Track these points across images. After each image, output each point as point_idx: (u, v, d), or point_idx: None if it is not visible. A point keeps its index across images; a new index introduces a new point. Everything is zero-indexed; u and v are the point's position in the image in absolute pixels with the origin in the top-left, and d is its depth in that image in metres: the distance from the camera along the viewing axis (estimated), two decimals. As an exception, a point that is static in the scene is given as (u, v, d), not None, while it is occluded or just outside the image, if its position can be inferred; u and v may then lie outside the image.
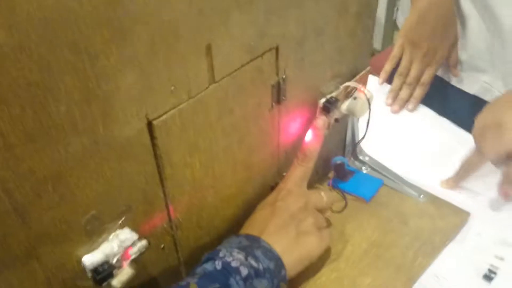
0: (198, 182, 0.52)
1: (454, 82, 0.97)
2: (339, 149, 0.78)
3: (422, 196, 0.73)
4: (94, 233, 0.44)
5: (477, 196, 0.73)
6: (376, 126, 0.71)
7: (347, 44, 0.64)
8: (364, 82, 0.71)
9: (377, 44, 2.56)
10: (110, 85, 0.38)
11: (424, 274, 0.62)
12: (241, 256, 0.50)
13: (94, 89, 0.37)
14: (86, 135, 0.38)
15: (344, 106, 0.67)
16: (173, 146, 0.46)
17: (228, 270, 0.49)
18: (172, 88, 0.43)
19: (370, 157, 0.79)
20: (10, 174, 0.34)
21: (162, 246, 0.52)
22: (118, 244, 0.46)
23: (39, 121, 0.34)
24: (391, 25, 2.19)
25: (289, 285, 0.55)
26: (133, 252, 0.47)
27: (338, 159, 0.74)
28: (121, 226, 0.46)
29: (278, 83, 0.55)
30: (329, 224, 0.65)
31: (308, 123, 0.63)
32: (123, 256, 0.47)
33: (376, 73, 1.03)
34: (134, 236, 0.47)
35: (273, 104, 0.57)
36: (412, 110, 0.95)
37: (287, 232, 0.56)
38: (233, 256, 0.50)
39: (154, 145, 0.45)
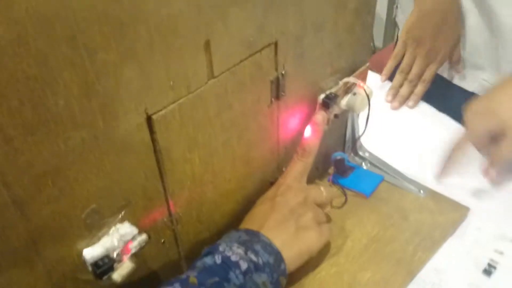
0: (197, 177, 0.52)
1: (453, 79, 0.97)
2: (339, 145, 0.78)
3: (422, 191, 0.73)
4: (94, 227, 0.44)
5: (477, 191, 0.74)
6: (377, 122, 0.72)
7: (346, 39, 0.64)
8: (363, 77, 0.71)
9: (378, 41, 2.55)
10: (109, 80, 0.38)
11: (424, 269, 0.62)
12: (240, 251, 0.50)
13: (93, 83, 0.37)
14: (85, 129, 0.38)
15: (344, 101, 0.67)
16: (173, 141, 0.47)
17: (227, 264, 0.49)
18: (171, 83, 0.43)
19: (370, 153, 0.79)
20: (9, 167, 0.35)
21: (162, 240, 0.53)
22: (118, 238, 0.46)
23: (37, 114, 0.34)
24: (392, 23, 2.19)
25: (289, 279, 0.56)
26: (133, 246, 0.48)
27: (338, 155, 0.74)
28: (121, 221, 0.47)
29: (277, 79, 0.56)
30: (328, 219, 0.66)
31: (308, 119, 0.64)
32: (123, 250, 0.47)
33: (377, 70, 1.03)
34: (134, 230, 0.47)
35: (272, 99, 0.57)
36: (412, 107, 0.96)
37: (286, 227, 0.56)
38: (232, 250, 0.50)
39: (153, 140, 0.45)
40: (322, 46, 0.60)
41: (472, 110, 0.68)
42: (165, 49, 0.41)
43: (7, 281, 0.40)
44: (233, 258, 0.49)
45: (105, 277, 0.45)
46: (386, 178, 0.76)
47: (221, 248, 0.51)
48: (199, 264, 0.50)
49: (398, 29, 1.09)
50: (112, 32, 0.36)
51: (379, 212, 0.70)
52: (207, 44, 0.45)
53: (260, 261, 0.51)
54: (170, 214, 0.52)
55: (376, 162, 0.78)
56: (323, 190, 0.63)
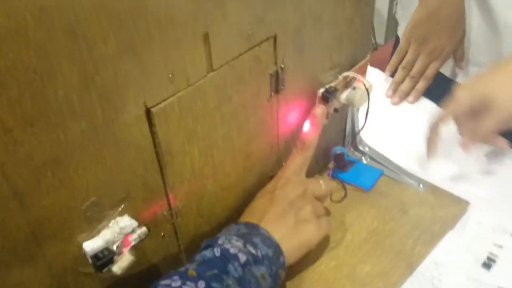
0: (197, 170, 0.52)
1: (452, 76, 0.97)
2: (339, 140, 0.78)
3: (421, 185, 0.73)
4: (94, 219, 0.45)
5: (477, 185, 0.74)
6: (377, 117, 0.72)
7: (345, 33, 0.64)
8: (363, 72, 0.71)
9: (379, 39, 2.55)
10: (108, 72, 0.38)
11: (424, 262, 0.62)
12: (239, 243, 0.51)
13: (92, 75, 0.37)
14: (85, 120, 0.38)
15: (343, 96, 0.67)
16: (172, 134, 0.47)
17: (226, 257, 0.49)
18: (170, 75, 0.44)
19: (370, 147, 0.79)
20: (9, 158, 0.35)
21: (162, 233, 0.53)
22: (118, 231, 0.47)
23: (37, 105, 0.34)
24: (394, 20, 2.18)
25: (289, 273, 0.56)
26: (133, 239, 0.48)
27: (338, 149, 0.74)
28: (121, 213, 0.47)
29: (277, 73, 0.56)
30: (327, 212, 0.66)
31: (307, 113, 0.64)
32: (123, 242, 0.47)
33: (378, 67, 1.03)
34: (134, 223, 0.48)
35: (272, 93, 0.57)
36: (412, 102, 0.96)
37: (286, 220, 0.56)
38: (231, 243, 0.50)
39: (152, 132, 0.45)
40: (321, 40, 0.60)
41: (461, 86, 0.69)
42: (163, 41, 0.41)
43: (7, 274, 0.40)
44: (232, 250, 0.50)
45: (105, 270, 0.46)
46: (386, 172, 0.76)
47: (220, 241, 0.51)
48: (198, 257, 0.50)
49: (399, 25, 1.09)
50: (110, 24, 0.36)
51: (379, 206, 0.70)
52: (206, 37, 0.45)
53: (259, 254, 0.51)
54: (170, 207, 0.52)
55: (376, 157, 0.78)
56: (322, 183, 0.63)
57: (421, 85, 0.95)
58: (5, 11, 0.30)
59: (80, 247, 0.45)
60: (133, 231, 0.48)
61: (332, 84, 0.65)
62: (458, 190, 0.72)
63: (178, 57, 0.43)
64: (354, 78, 0.67)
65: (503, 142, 0.71)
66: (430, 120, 0.73)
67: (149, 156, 0.46)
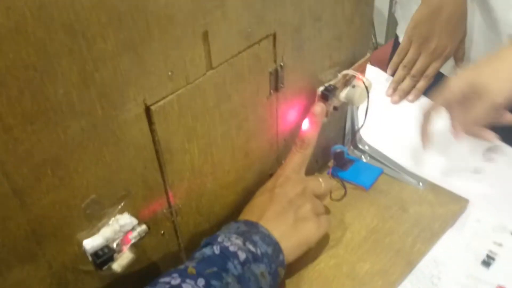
0: (197, 168, 0.52)
1: (452, 75, 0.97)
2: (338, 138, 0.78)
3: (421, 184, 0.73)
4: (94, 217, 0.45)
5: (476, 184, 0.74)
6: (377, 116, 0.72)
7: (345, 31, 0.64)
8: (362, 70, 0.71)
9: (380, 38, 2.55)
10: (108, 69, 0.38)
11: (423, 260, 0.63)
12: (239, 241, 0.51)
13: (91, 72, 0.37)
14: (84, 118, 0.38)
15: (343, 94, 0.67)
16: (171, 132, 0.47)
17: (226, 255, 0.49)
18: (170, 73, 0.44)
19: (369, 145, 0.79)
20: (9, 157, 0.35)
21: (162, 231, 0.53)
22: (118, 229, 0.47)
23: (37, 103, 0.35)
24: (394, 19, 2.18)
25: (288, 271, 0.56)
26: (133, 236, 0.48)
27: (337, 148, 0.74)
28: (121, 211, 0.47)
29: (276, 71, 0.56)
30: (327, 210, 0.66)
31: (307, 111, 0.64)
32: (123, 240, 0.47)
33: (379, 66, 1.03)
34: (134, 221, 0.48)
35: (271, 91, 0.57)
36: (412, 101, 0.96)
37: (285, 218, 0.56)
38: (231, 241, 0.51)
39: (152, 130, 0.45)
40: (320, 38, 0.60)
41: (455, 75, 0.70)
42: (162, 39, 0.41)
43: (8, 272, 0.40)
44: (232, 248, 0.50)
45: (105, 267, 0.46)
46: (386, 170, 0.76)
47: (219, 239, 0.51)
48: (198, 255, 0.50)
49: (398, 25, 1.09)
50: (110, 22, 0.36)
51: (379, 204, 0.70)
52: (206, 35, 0.45)
53: (259, 252, 0.51)
54: (169, 206, 0.52)
55: (375, 155, 0.78)
56: (322, 182, 0.63)
57: (422, 84, 0.95)
58: (5, 9, 0.30)
59: (80, 245, 0.45)
60: (133, 229, 0.48)
61: (332, 82, 0.65)
62: (458, 188, 0.72)
63: (178, 55, 0.43)
64: (353, 76, 0.67)
65: (492, 136, 0.70)
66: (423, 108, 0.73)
67: (148, 154, 0.46)
